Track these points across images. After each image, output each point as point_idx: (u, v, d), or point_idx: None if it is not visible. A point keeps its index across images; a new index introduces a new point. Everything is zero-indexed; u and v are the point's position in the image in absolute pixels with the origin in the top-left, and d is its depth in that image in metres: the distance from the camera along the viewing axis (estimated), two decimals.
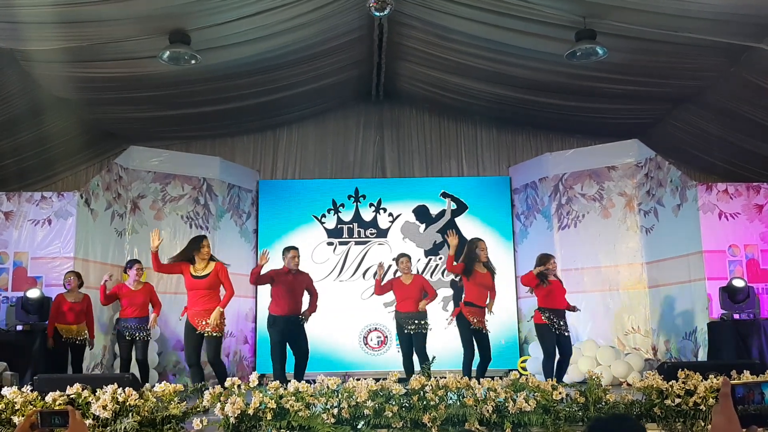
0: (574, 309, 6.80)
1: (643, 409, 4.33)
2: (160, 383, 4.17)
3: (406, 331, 7.04)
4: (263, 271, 6.80)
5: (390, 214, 10.14)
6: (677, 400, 4.25)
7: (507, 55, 7.89)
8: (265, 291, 9.12)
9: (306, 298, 7.09)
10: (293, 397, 4.07)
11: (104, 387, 3.98)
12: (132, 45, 6.93)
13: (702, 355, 7.69)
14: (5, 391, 4.06)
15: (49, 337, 6.95)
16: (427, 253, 10.03)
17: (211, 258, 6.33)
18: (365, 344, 9.71)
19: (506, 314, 9.55)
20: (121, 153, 9.25)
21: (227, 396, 4.06)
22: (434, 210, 10.17)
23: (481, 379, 4.55)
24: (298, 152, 10.47)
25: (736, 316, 7.28)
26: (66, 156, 9.19)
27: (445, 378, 4.33)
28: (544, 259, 6.80)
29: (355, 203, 10.16)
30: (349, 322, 9.65)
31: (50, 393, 3.92)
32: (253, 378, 4.18)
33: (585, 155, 9.50)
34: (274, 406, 3.99)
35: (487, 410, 4.11)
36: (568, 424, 4.17)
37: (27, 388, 4.11)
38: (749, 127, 8.09)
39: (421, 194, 10.19)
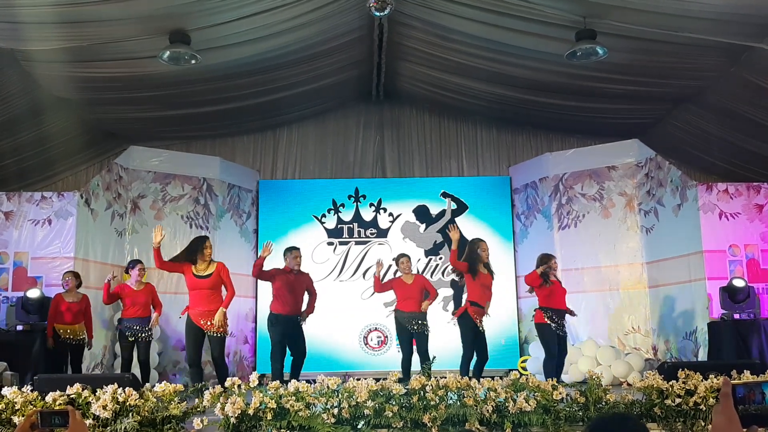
0: (572, 313, 6.88)
1: (643, 409, 4.34)
2: (161, 383, 4.17)
3: (409, 329, 7.03)
4: (266, 266, 6.80)
5: (390, 214, 10.14)
6: (677, 400, 4.25)
7: (507, 55, 7.89)
8: (265, 291, 9.14)
9: (305, 299, 7.10)
10: (293, 397, 4.07)
11: (104, 387, 3.98)
12: (132, 45, 6.94)
13: (702, 355, 7.69)
14: (5, 391, 4.06)
15: (48, 337, 6.95)
16: (428, 253, 10.03)
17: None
18: (365, 344, 9.71)
19: (506, 314, 9.56)
20: (122, 153, 9.25)
21: (227, 396, 4.06)
22: (434, 210, 10.17)
23: (481, 379, 4.55)
24: (298, 152, 10.47)
25: (737, 316, 7.28)
26: (66, 156, 9.19)
27: (445, 378, 4.33)
28: (546, 258, 6.83)
29: (355, 203, 10.16)
30: (349, 322, 9.65)
31: (50, 393, 3.92)
32: (253, 378, 4.18)
33: (585, 155, 9.50)
34: (274, 406, 3.99)
35: (487, 410, 4.11)
36: (568, 424, 4.18)
37: (27, 388, 4.11)
38: (749, 127, 8.09)
39: (421, 194, 10.19)
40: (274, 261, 7.42)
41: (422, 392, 4.17)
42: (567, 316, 6.85)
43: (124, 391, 3.94)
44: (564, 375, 7.75)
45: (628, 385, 7.07)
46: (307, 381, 4.34)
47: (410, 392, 4.19)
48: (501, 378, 4.50)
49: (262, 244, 9.62)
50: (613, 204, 9.17)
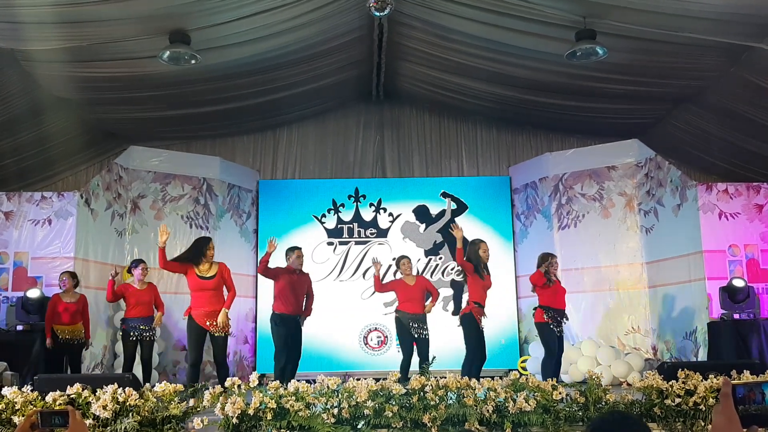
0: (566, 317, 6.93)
1: (643, 409, 4.33)
2: (161, 383, 4.17)
3: (412, 332, 7.02)
4: (271, 262, 6.80)
5: (390, 214, 10.14)
6: (677, 400, 4.25)
7: (507, 55, 7.89)
8: (265, 291, 9.14)
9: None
10: (293, 397, 4.07)
11: (104, 387, 3.98)
12: (132, 45, 6.93)
13: (702, 355, 7.69)
14: (5, 391, 4.07)
15: (47, 337, 6.95)
16: (427, 253, 10.03)
17: None
18: (365, 344, 9.71)
19: (506, 314, 9.56)
20: (122, 153, 9.26)
21: (227, 396, 4.06)
22: (434, 210, 10.17)
23: (481, 379, 4.55)
24: (298, 152, 10.47)
25: (736, 316, 7.28)
26: (66, 156, 9.19)
27: (445, 378, 4.33)
28: (546, 257, 6.85)
29: (355, 203, 10.16)
30: (349, 322, 9.65)
31: (50, 393, 3.92)
32: (253, 378, 4.18)
33: (585, 155, 9.51)
34: (275, 406, 3.99)
35: (487, 410, 4.11)
36: (568, 424, 4.18)
37: (27, 388, 4.11)
38: (749, 127, 8.09)
39: (421, 194, 10.19)
40: (275, 261, 7.42)
41: (422, 392, 4.17)
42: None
43: (124, 391, 3.94)
44: (564, 375, 7.76)
45: (628, 385, 7.04)
46: (307, 381, 4.35)
47: (410, 392, 4.19)
48: (501, 378, 4.50)
49: (261, 245, 9.72)
50: (613, 204, 9.17)
